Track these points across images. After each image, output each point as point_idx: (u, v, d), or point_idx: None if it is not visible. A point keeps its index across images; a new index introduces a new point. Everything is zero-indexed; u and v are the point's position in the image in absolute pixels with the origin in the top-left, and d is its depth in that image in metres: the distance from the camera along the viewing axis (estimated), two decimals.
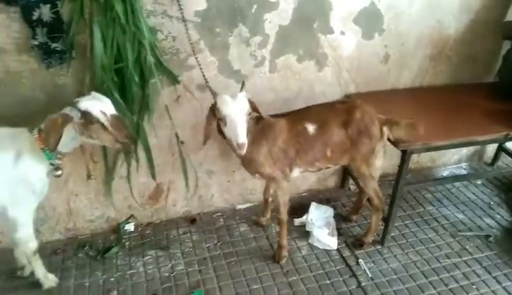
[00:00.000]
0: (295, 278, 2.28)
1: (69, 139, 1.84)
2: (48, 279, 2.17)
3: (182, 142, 2.25)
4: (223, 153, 2.57)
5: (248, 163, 2.15)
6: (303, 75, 2.48)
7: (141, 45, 1.97)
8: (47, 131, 1.77)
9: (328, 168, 2.33)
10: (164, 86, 2.18)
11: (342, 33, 2.45)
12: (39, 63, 1.99)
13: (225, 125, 1.87)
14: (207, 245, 2.49)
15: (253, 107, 1.95)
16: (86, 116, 1.75)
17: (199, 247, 2.47)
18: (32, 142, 1.83)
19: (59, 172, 1.94)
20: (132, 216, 2.58)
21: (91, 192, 2.43)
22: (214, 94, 1.96)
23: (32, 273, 2.20)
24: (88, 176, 2.36)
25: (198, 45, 2.17)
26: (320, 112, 2.19)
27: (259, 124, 2.08)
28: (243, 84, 1.96)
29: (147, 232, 2.59)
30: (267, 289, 2.20)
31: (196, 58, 2.08)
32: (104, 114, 1.78)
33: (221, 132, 2.00)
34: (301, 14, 2.31)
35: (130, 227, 2.56)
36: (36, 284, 2.16)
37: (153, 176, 2.32)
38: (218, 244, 2.49)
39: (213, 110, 1.92)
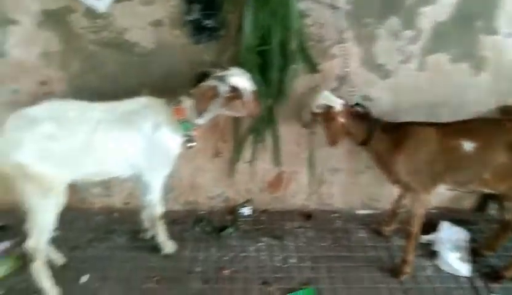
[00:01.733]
0: None
1: (209, 112, 1.90)
2: (168, 246, 2.28)
3: (313, 133, 2.18)
4: (351, 153, 2.43)
5: (384, 167, 2.03)
6: (454, 78, 2.23)
7: (287, 29, 1.95)
8: (197, 100, 1.85)
9: (481, 191, 2.06)
10: (301, 73, 2.13)
11: (508, 35, 2.15)
12: (188, 38, 2.08)
13: None
14: (322, 244, 2.38)
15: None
16: (234, 91, 1.80)
17: (314, 244, 2.38)
18: (170, 114, 1.92)
19: (193, 143, 2.01)
20: (249, 200, 2.60)
21: (215, 170, 2.50)
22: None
23: (153, 237, 2.33)
24: (216, 155, 2.43)
25: (344, 34, 2.08)
26: (481, 129, 1.94)
27: (401, 129, 1.95)
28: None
29: (262, 218, 2.58)
30: None
31: (342, 47, 1.99)
32: (247, 89, 1.84)
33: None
34: (462, 10, 2.07)
35: (246, 210, 2.58)
36: (156, 248, 2.29)
37: (278, 163, 2.29)
38: (334, 245, 2.37)
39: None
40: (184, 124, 1.93)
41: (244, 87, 1.83)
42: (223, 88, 1.82)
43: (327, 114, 1.94)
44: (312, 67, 2.12)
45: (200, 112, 1.85)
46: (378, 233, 2.45)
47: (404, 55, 2.17)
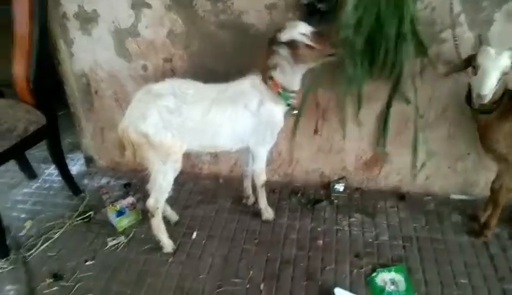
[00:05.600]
0: (511, 287, 2.05)
1: (289, 72, 2.02)
2: (268, 212, 2.49)
3: (421, 116, 2.19)
4: (451, 137, 2.42)
5: (485, 137, 2.03)
6: None
7: (400, 12, 1.96)
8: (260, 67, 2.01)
9: None
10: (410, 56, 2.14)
11: None
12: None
13: (475, 74, 1.83)
14: (414, 225, 2.43)
15: None
16: (291, 44, 1.90)
17: (406, 224, 2.44)
18: (269, 89, 2.06)
19: (295, 111, 2.17)
20: (343, 177, 2.70)
21: (314, 146, 2.63)
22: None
23: (254, 204, 2.56)
24: (315, 132, 2.56)
25: (458, 18, 2.05)
26: None
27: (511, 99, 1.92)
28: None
29: (355, 196, 2.68)
30: (476, 288, 2.05)
31: (454, 31, 1.98)
32: (304, 34, 1.90)
33: (467, 99, 1.98)
34: None
35: (340, 187, 2.69)
36: (256, 213, 2.51)
37: (382, 145, 2.33)
38: (426, 227, 2.41)
39: (470, 59, 1.88)
40: (283, 95, 2.07)
41: (297, 35, 1.89)
42: (281, 50, 1.93)
43: None
44: (423, 51, 2.11)
45: (265, 73, 2.01)
46: (473, 219, 2.43)
47: None
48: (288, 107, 2.14)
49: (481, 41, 1.92)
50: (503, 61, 1.78)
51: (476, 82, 1.84)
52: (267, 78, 2.04)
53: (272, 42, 1.95)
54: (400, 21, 1.95)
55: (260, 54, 2.01)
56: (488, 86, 1.78)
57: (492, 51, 1.80)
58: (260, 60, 2.02)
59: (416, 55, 2.11)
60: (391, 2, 1.94)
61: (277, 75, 2.03)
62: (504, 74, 1.80)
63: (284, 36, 1.93)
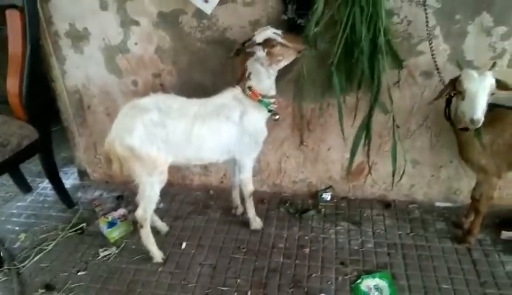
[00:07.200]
0: (492, 291, 2.09)
1: (265, 77, 2.10)
2: (256, 222, 2.54)
3: (397, 126, 2.27)
4: (433, 147, 2.49)
5: (465, 150, 2.08)
6: None
7: (375, 26, 2.04)
8: (236, 70, 2.10)
9: None
10: (386, 69, 2.22)
11: None
12: None
13: (462, 99, 1.86)
14: (399, 232, 2.48)
15: (502, 86, 1.85)
16: (266, 43, 1.99)
17: (391, 232, 2.49)
18: (249, 98, 2.14)
19: (277, 116, 2.23)
20: (330, 186, 2.76)
21: (300, 156, 2.70)
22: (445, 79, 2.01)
23: (243, 214, 2.62)
24: (301, 143, 2.63)
25: (433, 31, 2.13)
26: None
27: (492, 111, 1.93)
28: (493, 65, 1.90)
29: (342, 204, 2.74)
30: (458, 292, 2.09)
31: (430, 44, 2.06)
32: (277, 34, 2.01)
33: (446, 114, 2.03)
34: None
35: (327, 196, 2.75)
36: (245, 223, 2.57)
37: (367, 155, 2.38)
38: (411, 234, 2.46)
39: (453, 83, 1.91)
40: (263, 102, 2.15)
41: (272, 34, 2.00)
42: (257, 50, 2.01)
43: None
44: (398, 63, 2.19)
45: (241, 76, 2.10)
46: (457, 226, 2.49)
47: (495, 51, 2.16)
48: (269, 113, 2.21)
49: (460, 65, 1.96)
50: (488, 82, 1.80)
51: (465, 107, 1.84)
52: (246, 88, 2.12)
53: (247, 46, 2.03)
54: (375, 34, 2.03)
55: (236, 64, 2.11)
56: (480, 109, 1.79)
57: (474, 74, 1.83)
58: (237, 70, 2.12)
59: (392, 67, 2.18)
60: (365, 15, 2.02)
61: (254, 83, 2.11)
62: (492, 94, 1.82)
63: (260, 37, 2.02)
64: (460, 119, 1.94)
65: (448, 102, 2.03)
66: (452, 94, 1.96)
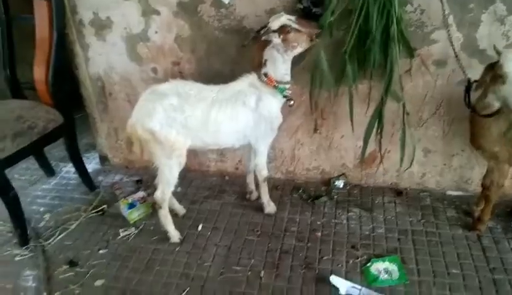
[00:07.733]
0: (501, 277, 2.13)
1: (280, 63, 2.17)
2: (270, 206, 2.62)
3: (408, 113, 2.30)
4: (445, 135, 2.52)
5: (479, 136, 2.09)
6: None
7: (388, 14, 2.08)
8: (253, 58, 2.17)
9: None
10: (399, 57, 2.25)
11: None
12: None
13: (503, 83, 1.80)
14: (410, 219, 2.53)
15: None
16: (281, 30, 2.05)
17: (402, 218, 2.54)
18: (265, 85, 2.21)
19: (292, 102, 2.29)
20: (343, 174, 2.82)
21: (314, 144, 2.76)
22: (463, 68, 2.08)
23: (257, 199, 2.70)
24: (315, 130, 2.69)
25: (446, 19, 2.16)
26: None
27: None
28: None
29: (354, 191, 2.80)
30: (467, 278, 2.13)
31: (448, 32, 2.09)
32: (291, 20, 2.06)
33: (466, 101, 2.05)
34: None
35: (340, 183, 2.80)
36: (259, 208, 2.64)
37: (379, 143, 2.42)
38: (422, 221, 2.51)
39: (491, 67, 1.88)
40: (279, 88, 2.21)
41: (286, 20, 2.05)
42: (273, 38, 2.07)
43: None
44: (410, 52, 2.22)
45: (258, 64, 2.16)
46: (468, 214, 2.52)
47: (509, 40, 2.18)
48: (284, 99, 2.27)
49: (497, 50, 1.87)
50: None
51: (506, 91, 1.79)
52: (262, 75, 2.19)
53: (263, 33, 2.09)
54: (387, 23, 2.07)
55: (253, 52, 2.18)
56: None
57: None
58: (253, 57, 2.18)
59: (403, 56, 2.20)
60: (378, 3, 2.06)
61: (270, 70, 2.18)
62: None
63: (275, 24, 2.08)
64: (486, 105, 1.93)
65: (468, 89, 2.05)
66: (487, 80, 1.90)
